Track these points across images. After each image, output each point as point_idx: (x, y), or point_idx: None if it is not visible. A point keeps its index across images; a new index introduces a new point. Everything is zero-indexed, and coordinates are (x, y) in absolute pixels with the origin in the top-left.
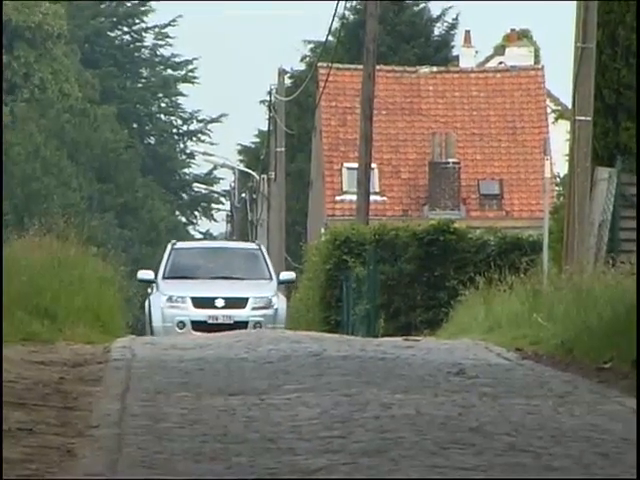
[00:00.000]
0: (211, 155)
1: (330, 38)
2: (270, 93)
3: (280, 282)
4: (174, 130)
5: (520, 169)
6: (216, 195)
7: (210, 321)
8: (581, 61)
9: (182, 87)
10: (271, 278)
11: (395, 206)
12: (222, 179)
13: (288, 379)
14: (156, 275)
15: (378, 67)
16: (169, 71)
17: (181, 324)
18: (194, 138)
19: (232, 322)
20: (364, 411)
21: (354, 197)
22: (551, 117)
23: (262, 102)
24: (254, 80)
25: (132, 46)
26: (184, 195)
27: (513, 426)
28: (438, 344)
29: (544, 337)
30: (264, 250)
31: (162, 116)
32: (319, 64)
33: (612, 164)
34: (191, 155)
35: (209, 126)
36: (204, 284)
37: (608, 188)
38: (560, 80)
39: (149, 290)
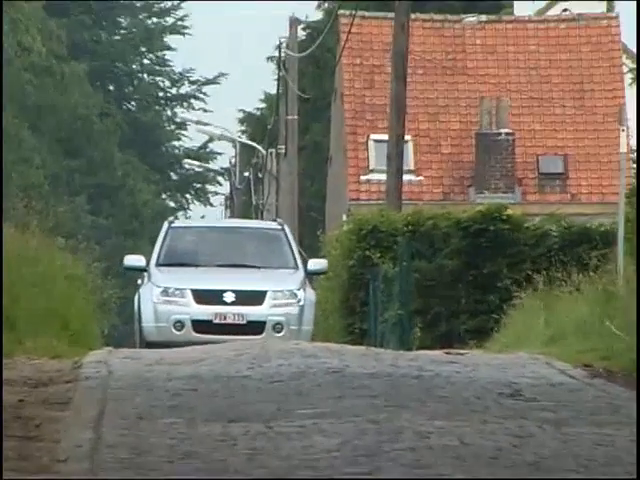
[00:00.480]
0: (206, 124)
1: None
2: (280, 47)
3: (308, 272)
4: (160, 94)
5: (589, 142)
6: (212, 174)
7: (216, 321)
8: None
9: (170, 40)
10: (296, 267)
11: (434, 188)
12: (220, 154)
13: (301, 402)
14: (148, 262)
15: (413, 16)
16: (154, 20)
17: (179, 324)
18: (185, 103)
19: (244, 322)
20: (396, 441)
21: (383, 177)
22: (628, 78)
23: (270, 59)
24: (260, 31)
25: None
26: (172, 174)
27: (580, 461)
28: (487, 359)
29: (618, 350)
30: (288, 231)
31: (145, 76)
32: (340, 12)
33: (637, 157)
34: (181, 125)
35: (204, 89)
36: (209, 274)
37: None
38: None
39: (139, 281)
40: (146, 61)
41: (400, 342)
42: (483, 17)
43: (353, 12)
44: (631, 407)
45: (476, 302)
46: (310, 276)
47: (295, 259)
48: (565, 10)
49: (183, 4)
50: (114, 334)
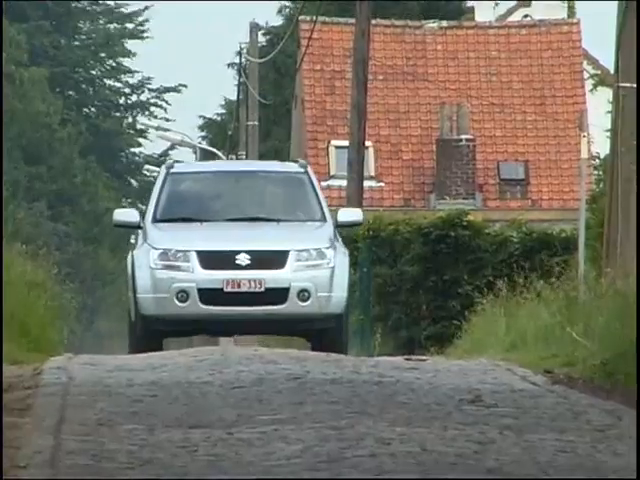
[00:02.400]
0: (166, 131)
1: None
2: (240, 53)
3: (339, 225)
4: (121, 100)
5: (550, 148)
6: None
7: (228, 289)
8: (627, 13)
9: (131, 45)
10: (324, 219)
11: (395, 194)
12: (181, 161)
13: (262, 408)
14: (143, 217)
15: (374, 21)
16: (114, 25)
17: (183, 294)
18: (146, 110)
19: (263, 290)
20: (357, 448)
21: (344, 183)
22: (589, 84)
23: (230, 65)
24: (220, 37)
25: None
26: (132, 180)
27: (541, 467)
28: (448, 365)
29: (580, 357)
30: (312, 174)
31: (106, 82)
32: (301, 18)
33: (637, 156)
34: (142, 131)
35: (164, 95)
36: (218, 231)
37: None
38: (600, 38)
39: (132, 240)
40: (106, 67)
41: (361, 348)
42: (444, 23)
43: (314, 18)
44: (592, 414)
45: (437, 308)
46: (341, 229)
47: (322, 209)
48: (526, 16)
49: (142, 8)
50: (74, 340)
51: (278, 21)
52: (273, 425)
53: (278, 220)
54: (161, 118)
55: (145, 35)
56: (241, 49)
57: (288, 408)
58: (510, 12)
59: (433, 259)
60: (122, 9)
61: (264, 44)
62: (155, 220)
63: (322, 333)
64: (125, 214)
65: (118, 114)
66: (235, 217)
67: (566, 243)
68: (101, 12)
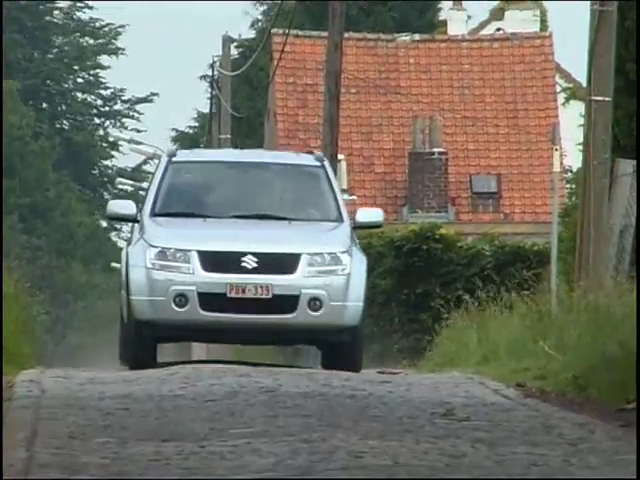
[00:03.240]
0: (139, 143)
1: None
2: (212, 66)
3: (357, 226)
4: (93, 112)
5: (522, 162)
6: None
7: (232, 294)
8: (599, 27)
9: (103, 59)
10: (341, 219)
11: (367, 207)
12: (153, 174)
13: (235, 422)
14: (140, 210)
15: (347, 34)
16: (87, 39)
17: (181, 299)
18: (118, 122)
19: (270, 297)
20: (329, 461)
21: None
22: (561, 97)
23: (203, 78)
24: (193, 51)
25: (41, 7)
26: (105, 193)
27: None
28: (420, 378)
29: (552, 370)
30: (329, 168)
31: (79, 95)
32: (273, 31)
33: (637, 155)
34: (114, 144)
35: (137, 107)
36: (223, 229)
37: (632, 185)
38: (572, 51)
39: (128, 234)
40: (79, 80)
41: None
42: (416, 36)
43: (286, 31)
44: (565, 427)
45: (409, 321)
46: (359, 230)
47: (339, 208)
48: (498, 29)
49: (117, 25)
50: (46, 353)
51: (251, 34)
52: (245, 438)
53: (290, 219)
54: (132, 129)
55: (119, 52)
56: (214, 62)
57: (260, 421)
58: (482, 26)
59: (406, 272)
60: (96, 24)
61: (237, 57)
62: (153, 214)
63: (334, 347)
64: (120, 205)
65: (90, 126)
66: (242, 214)
67: (538, 256)
68: (75, 26)
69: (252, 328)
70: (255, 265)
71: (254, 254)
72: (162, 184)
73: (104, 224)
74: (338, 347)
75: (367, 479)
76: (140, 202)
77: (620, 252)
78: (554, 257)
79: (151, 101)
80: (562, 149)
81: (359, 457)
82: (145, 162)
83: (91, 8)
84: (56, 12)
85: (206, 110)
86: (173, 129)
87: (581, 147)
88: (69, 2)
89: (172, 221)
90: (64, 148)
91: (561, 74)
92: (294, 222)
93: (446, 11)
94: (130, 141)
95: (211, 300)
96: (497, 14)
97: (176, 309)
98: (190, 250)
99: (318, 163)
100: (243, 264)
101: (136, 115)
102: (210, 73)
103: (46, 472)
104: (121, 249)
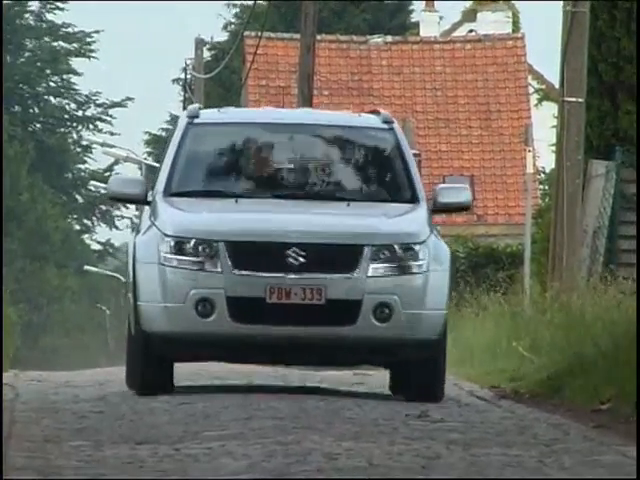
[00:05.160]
0: (112, 147)
1: (260, 1)
2: (185, 69)
3: (437, 209)
4: (66, 116)
5: (495, 163)
6: None
7: (272, 299)
8: (571, 28)
9: (76, 63)
10: (416, 199)
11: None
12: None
13: (209, 424)
14: (152, 188)
15: (319, 37)
16: (60, 43)
17: (205, 305)
18: (91, 126)
19: (323, 302)
20: (304, 463)
21: None
22: (534, 98)
23: (175, 81)
24: (166, 54)
25: (12, 10)
26: (78, 196)
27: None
28: None
29: (526, 371)
30: (400, 132)
31: (51, 98)
32: (246, 33)
33: (610, 156)
34: (87, 147)
35: (110, 111)
36: (260, 212)
37: (605, 186)
38: (545, 52)
39: (135, 218)
40: (52, 84)
41: None
42: (389, 38)
43: (259, 33)
44: (539, 428)
45: None
46: (439, 214)
47: (414, 184)
48: (471, 31)
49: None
50: (20, 356)
51: (223, 37)
52: (220, 441)
53: (349, 199)
54: (106, 132)
55: (91, 55)
56: (186, 65)
57: (235, 424)
58: (455, 27)
59: None
60: (69, 28)
61: (209, 60)
62: (169, 193)
63: (409, 368)
64: (125, 182)
65: (63, 129)
66: (286, 193)
67: (512, 258)
68: (46, 30)
69: (299, 344)
70: (303, 261)
71: (302, 246)
72: (179, 154)
73: (77, 227)
74: (413, 368)
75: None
76: (150, 179)
77: (593, 253)
78: (527, 258)
79: (125, 106)
80: (535, 150)
81: (334, 459)
82: (116, 163)
83: (62, 9)
84: (27, 15)
85: (179, 113)
86: (146, 132)
87: (554, 148)
88: (39, 3)
89: (193, 202)
90: (37, 151)
91: (533, 75)
92: (354, 204)
93: (418, 13)
94: (103, 144)
95: (245, 307)
96: (469, 16)
97: (199, 319)
98: (217, 241)
99: (386, 125)
100: (287, 259)
101: (109, 119)
102: (183, 76)
103: (20, 475)
104: (95, 252)
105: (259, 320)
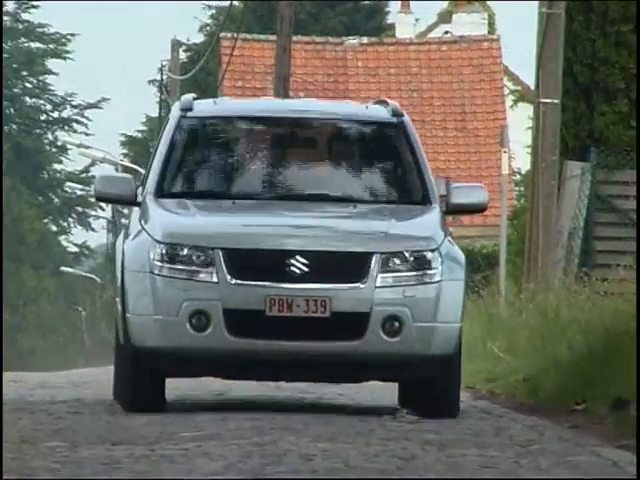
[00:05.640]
0: (88, 148)
1: (235, 2)
2: (161, 70)
3: (450, 211)
4: (42, 117)
5: (471, 164)
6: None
7: (273, 311)
8: (547, 30)
9: (52, 64)
10: (429, 200)
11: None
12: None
13: (185, 425)
14: (142, 185)
15: (295, 38)
16: (36, 44)
17: (200, 318)
18: (67, 127)
19: (328, 315)
20: (280, 464)
21: None
22: (509, 100)
23: (152, 82)
24: (142, 55)
25: None
26: (54, 197)
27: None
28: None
29: (502, 372)
30: (410, 126)
31: (27, 99)
32: (222, 34)
33: (585, 158)
34: (63, 148)
35: (86, 112)
36: (259, 216)
37: (580, 188)
38: (521, 54)
39: (124, 219)
40: (28, 85)
41: None
42: (364, 39)
43: (235, 35)
44: (515, 429)
45: None
46: (453, 215)
47: (426, 184)
48: (447, 32)
49: (67, 33)
50: None
51: (199, 38)
52: (196, 442)
53: (355, 200)
54: (81, 133)
55: (67, 56)
56: (162, 66)
57: (211, 424)
58: (430, 29)
59: None
60: (44, 29)
61: (185, 61)
62: (160, 194)
63: (421, 386)
64: (112, 182)
65: (39, 131)
66: (287, 194)
67: (487, 259)
68: (22, 31)
69: (301, 360)
70: (306, 270)
71: (305, 253)
72: (172, 150)
73: (54, 228)
74: (425, 385)
75: None
76: (139, 178)
77: (568, 254)
78: (503, 259)
79: (101, 107)
80: (510, 152)
81: (310, 460)
82: (92, 164)
83: (37, 7)
84: (3, 16)
85: (155, 114)
86: (122, 134)
87: (529, 149)
88: (14, 3)
89: (186, 205)
90: (12, 152)
91: (509, 77)
92: (361, 206)
93: (394, 15)
94: (79, 145)
95: (243, 320)
96: (445, 17)
97: (193, 333)
98: (213, 248)
99: (394, 119)
100: (289, 268)
101: (85, 121)
102: (159, 77)
103: None
104: (71, 254)
105: (258, 334)
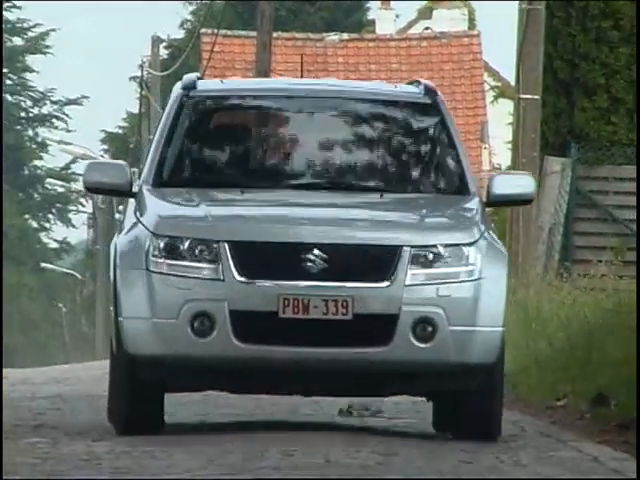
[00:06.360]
0: (68, 144)
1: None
2: (142, 67)
3: (492, 203)
4: (22, 114)
5: None
6: (75, 195)
7: (286, 314)
8: (527, 26)
9: (32, 60)
10: (466, 189)
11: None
12: (82, 175)
13: (166, 420)
14: (138, 177)
15: (275, 34)
16: (15, 40)
17: (204, 321)
18: (47, 123)
19: (350, 317)
20: (261, 459)
21: None
22: (490, 95)
23: (132, 78)
24: (122, 52)
25: None
26: (34, 193)
27: (445, 478)
28: None
29: None
30: (445, 107)
31: (7, 96)
32: (202, 30)
33: (565, 153)
34: (43, 144)
35: (66, 109)
36: (272, 206)
37: (561, 183)
38: (501, 50)
39: (118, 214)
40: (7, 81)
41: None
42: (345, 36)
43: (215, 31)
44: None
45: None
46: (495, 207)
47: (463, 171)
48: (427, 28)
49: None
50: None
51: (180, 34)
52: (176, 437)
53: (382, 190)
54: (62, 129)
55: (47, 51)
56: (143, 62)
57: (192, 420)
58: (411, 25)
59: None
60: (24, 24)
61: (166, 57)
62: (159, 183)
63: (458, 398)
64: (104, 170)
65: (19, 127)
66: (304, 182)
67: None
68: (4, 27)
69: (319, 370)
70: (325, 265)
71: (324, 247)
72: (172, 134)
73: (34, 224)
74: (463, 399)
75: (299, 479)
76: (135, 167)
77: (549, 250)
78: None
79: (81, 104)
80: (491, 147)
81: (290, 455)
82: (73, 161)
83: (20, 8)
84: None
85: (136, 110)
86: (102, 130)
87: (510, 145)
88: None
89: (188, 194)
90: None
91: (489, 72)
92: (389, 195)
93: (374, 10)
94: (60, 142)
95: (252, 323)
96: (425, 13)
97: (195, 339)
98: (218, 241)
99: (427, 99)
100: (306, 264)
101: (65, 117)
102: (139, 73)
103: None
104: (52, 250)
105: (270, 340)
